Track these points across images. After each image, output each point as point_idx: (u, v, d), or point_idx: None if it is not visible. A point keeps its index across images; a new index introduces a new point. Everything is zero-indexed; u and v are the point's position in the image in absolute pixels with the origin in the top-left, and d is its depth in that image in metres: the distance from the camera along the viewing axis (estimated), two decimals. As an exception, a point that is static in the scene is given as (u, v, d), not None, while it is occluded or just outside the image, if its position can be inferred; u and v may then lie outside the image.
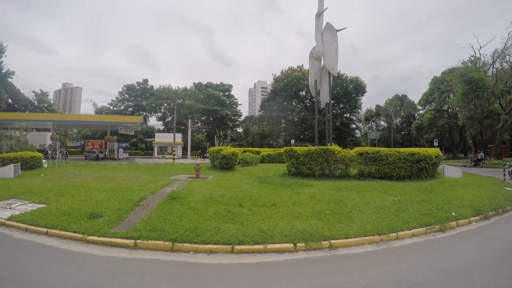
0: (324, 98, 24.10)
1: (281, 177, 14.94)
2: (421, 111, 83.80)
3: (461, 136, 67.61)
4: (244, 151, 29.16)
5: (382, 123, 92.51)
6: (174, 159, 37.52)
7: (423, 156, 14.89)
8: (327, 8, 22.26)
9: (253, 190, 11.13)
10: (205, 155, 61.02)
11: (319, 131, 70.61)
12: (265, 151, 34.91)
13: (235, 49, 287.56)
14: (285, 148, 16.31)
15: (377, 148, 15.22)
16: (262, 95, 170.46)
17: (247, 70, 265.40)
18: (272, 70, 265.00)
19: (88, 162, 30.21)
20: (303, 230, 6.79)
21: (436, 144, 56.12)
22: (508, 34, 39.36)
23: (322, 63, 23.48)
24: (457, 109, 46.84)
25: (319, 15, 22.43)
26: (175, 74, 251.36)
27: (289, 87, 71.86)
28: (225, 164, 19.32)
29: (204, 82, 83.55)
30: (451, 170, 16.99)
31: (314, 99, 24.36)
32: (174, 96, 69.85)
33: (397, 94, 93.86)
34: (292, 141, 66.61)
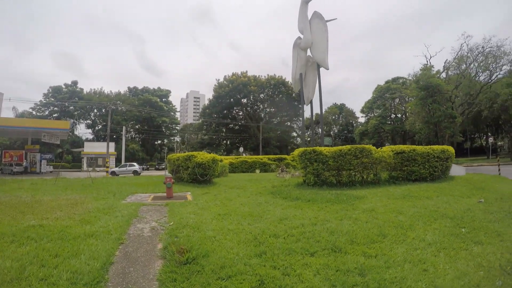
0: (310, 94, 20.47)
1: (302, 189, 10.75)
2: (361, 119, 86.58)
3: (404, 141, 70.71)
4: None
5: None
6: (107, 171, 30.96)
7: (450, 153, 13.64)
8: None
9: (305, 215, 6.72)
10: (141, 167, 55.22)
11: (262, 139, 68.06)
12: (226, 159, 30.30)
13: (167, 60, 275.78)
14: (300, 149, 11.96)
15: (412, 146, 13.06)
16: (194, 105, 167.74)
17: (178, 82, 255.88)
18: (203, 82, 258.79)
19: (2, 177, 22.17)
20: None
21: (388, 148, 57.32)
22: (461, 45, 42.13)
23: (308, 55, 19.94)
24: (409, 114, 48.46)
25: (307, 1, 18.89)
26: (104, 83, 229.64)
27: (234, 93, 67.94)
28: (201, 176, 14.20)
29: (140, 87, 75.72)
30: (454, 168, 16.18)
31: (300, 95, 20.43)
32: (107, 100, 61.37)
33: (335, 103, 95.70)
34: (241, 149, 62.41)
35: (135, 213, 7.35)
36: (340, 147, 11.49)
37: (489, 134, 62.37)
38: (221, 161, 27.97)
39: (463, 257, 4.35)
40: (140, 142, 70.88)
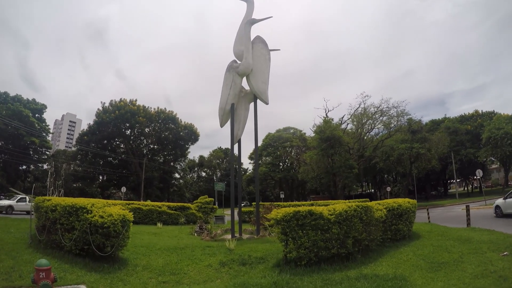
0: (239, 132, 16.82)
1: (302, 276, 6.63)
2: (248, 165, 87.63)
3: (292, 189, 74.12)
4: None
5: (204, 174, 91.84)
6: None
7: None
8: (271, 17, 16.33)
9: None
10: None
11: (144, 179, 60.10)
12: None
13: (47, 74, 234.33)
14: (285, 210, 7.54)
15: (398, 201, 10.94)
16: (69, 130, 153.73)
17: (54, 101, 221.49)
18: (82, 106, 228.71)
19: None
20: None
21: (282, 196, 58.25)
22: (359, 104, 47.29)
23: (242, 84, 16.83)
24: (304, 163, 50.69)
25: (253, 22, 16.20)
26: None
27: (119, 122, 60.04)
28: (100, 248, 8.21)
29: (12, 94, 59.32)
30: None
31: (230, 131, 16.67)
32: (-35, 104, 45.70)
33: (220, 147, 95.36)
34: (123, 189, 51.84)
35: None
36: (344, 207, 7.92)
37: (371, 183, 72.15)
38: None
39: None
40: (1, 165, 55.94)
